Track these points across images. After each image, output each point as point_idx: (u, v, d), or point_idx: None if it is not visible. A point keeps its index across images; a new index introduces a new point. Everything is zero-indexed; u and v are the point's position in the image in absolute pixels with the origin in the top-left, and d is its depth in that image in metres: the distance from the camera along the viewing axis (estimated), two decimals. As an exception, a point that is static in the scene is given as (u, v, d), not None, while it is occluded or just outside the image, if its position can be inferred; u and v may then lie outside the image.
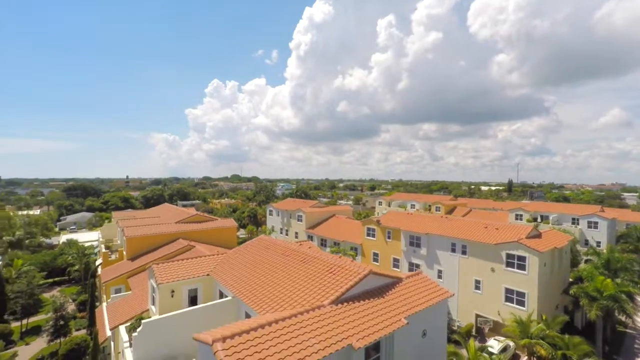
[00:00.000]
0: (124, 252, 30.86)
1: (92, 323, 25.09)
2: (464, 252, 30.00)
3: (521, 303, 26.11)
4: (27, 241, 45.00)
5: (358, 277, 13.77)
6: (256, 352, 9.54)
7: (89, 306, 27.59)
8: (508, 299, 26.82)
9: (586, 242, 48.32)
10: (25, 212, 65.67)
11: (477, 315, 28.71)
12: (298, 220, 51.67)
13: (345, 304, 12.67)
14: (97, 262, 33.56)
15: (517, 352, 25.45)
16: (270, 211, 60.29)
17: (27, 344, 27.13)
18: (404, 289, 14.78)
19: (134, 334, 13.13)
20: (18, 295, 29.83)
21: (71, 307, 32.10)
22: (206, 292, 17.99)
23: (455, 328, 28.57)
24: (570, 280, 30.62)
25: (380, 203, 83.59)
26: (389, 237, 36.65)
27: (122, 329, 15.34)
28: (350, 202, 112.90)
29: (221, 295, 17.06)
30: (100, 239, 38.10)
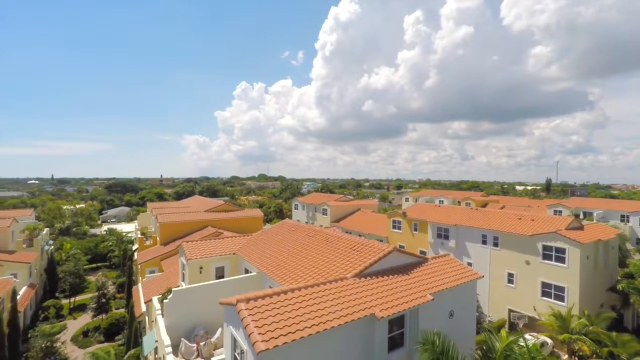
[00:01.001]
0: (157, 238, 32.58)
1: (129, 301, 26.74)
2: (495, 244, 28.54)
3: (560, 298, 24.38)
4: (74, 229, 49.11)
5: (382, 253, 13.56)
6: (278, 313, 9.69)
7: (126, 287, 29.47)
8: (545, 294, 25.14)
9: (638, 241, 44.16)
10: (72, 206, 71.24)
11: (510, 311, 27.17)
12: (323, 213, 51.79)
13: (369, 278, 12.52)
14: (134, 248, 35.75)
15: (555, 350, 23.78)
16: (296, 205, 60.95)
17: (74, 318, 29.56)
18: (430, 268, 14.34)
19: (165, 301, 13.82)
20: (67, 275, 32.50)
21: (111, 289, 34.42)
22: (232, 270, 18.55)
23: (486, 324, 27.22)
24: (618, 277, 28.11)
25: (407, 199, 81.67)
26: (415, 230, 35.72)
27: (155, 300, 16.19)
28: (376, 200, 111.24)
29: (247, 273, 17.49)
30: (137, 227, 40.57)
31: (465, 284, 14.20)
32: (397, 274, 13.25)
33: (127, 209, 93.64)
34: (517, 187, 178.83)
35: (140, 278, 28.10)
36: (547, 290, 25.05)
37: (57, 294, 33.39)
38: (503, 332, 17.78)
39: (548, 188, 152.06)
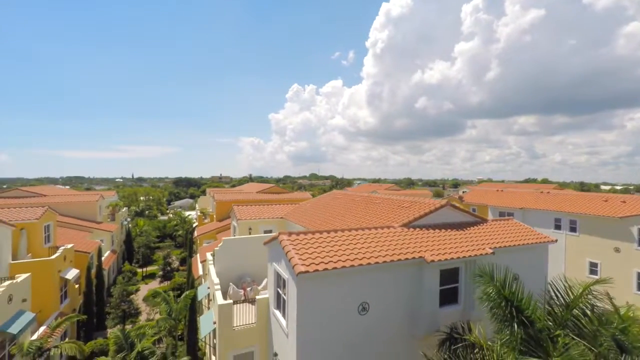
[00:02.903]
0: (214, 216, 34.92)
1: (189, 268, 29.18)
2: (572, 229, 24.76)
3: (663, 293, 20.14)
4: (146, 212, 55.51)
5: (434, 207, 12.53)
6: (320, 246, 9.46)
7: (187, 254, 32.26)
8: (641, 287, 21.01)
9: None
10: (146, 196, 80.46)
11: (594, 306, 23.23)
12: (372, 202, 50.58)
13: (418, 229, 11.62)
14: (194, 225, 38.94)
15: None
16: (344, 196, 60.65)
17: (146, 283, 33.34)
18: (490, 227, 12.85)
19: (216, 249, 14.57)
20: (140, 247, 36.72)
21: (176, 262, 37.97)
22: (279, 233, 18.90)
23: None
24: None
25: (464, 192, 75.75)
26: (473, 215, 32.78)
27: (208, 255, 17.20)
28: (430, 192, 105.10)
29: (292, 235, 17.66)
30: (197, 208, 44.23)
31: (534, 247, 12.41)
32: (451, 229, 12.09)
33: (190, 200, 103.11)
34: (603, 187, 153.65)
35: (198, 249, 30.40)
36: (644, 282, 20.90)
37: (132, 264, 37.85)
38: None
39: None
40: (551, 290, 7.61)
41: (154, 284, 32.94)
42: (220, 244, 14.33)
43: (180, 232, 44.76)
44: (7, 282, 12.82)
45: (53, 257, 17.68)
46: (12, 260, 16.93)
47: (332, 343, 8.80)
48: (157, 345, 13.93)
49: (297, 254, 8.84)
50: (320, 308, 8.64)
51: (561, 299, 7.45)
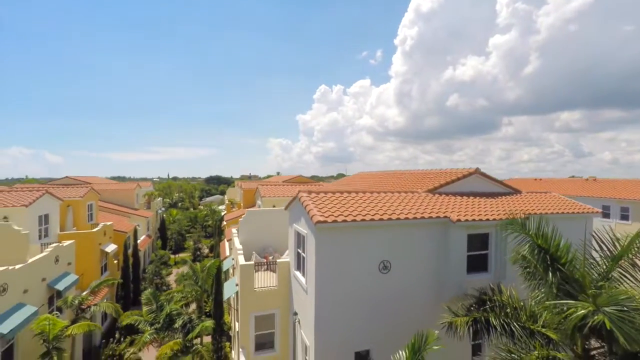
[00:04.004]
0: (241, 204, 35.87)
1: (217, 249, 30.25)
2: (624, 217, 22.54)
3: None
4: (179, 204, 58.51)
5: (461, 174, 11.93)
6: (339, 203, 9.34)
7: (216, 239, 33.42)
8: None
9: None
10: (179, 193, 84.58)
11: (648, 301, 20.95)
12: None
13: (444, 195, 11.11)
14: (223, 213, 40.33)
15: None
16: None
17: (178, 268, 34.92)
18: (524, 197, 12.00)
19: (240, 220, 14.90)
20: (173, 234, 38.65)
21: (205, 250, 39.51)
22: (303, 212, 19.01)
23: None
24: None
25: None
26: (508, 205, 30.92)
27: (233, 230, 17.65)
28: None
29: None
30: (226, 198, 45.78)
31: (575, 218, 11.35)
32: (480, 197, 11.43)
33: (221, 196, 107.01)
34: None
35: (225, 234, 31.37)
36: None
37: (166, 250, 39.96)
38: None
39: None
40: (595, 242, 6.89)
41: (185, 269, 34.51)
42: (245, 215, 14.65)
43: (210, 223, 46.56)
44: (54, 244, 14.00)
45: (94, 230, 19.05)
46: (60, 231, 18.48)
47: (352, 299, 8.64)
48: (183, 309, 14.50)
49: (315, 207, 8.79)
50: (339, 262, 8.51)
51: (606, 250, 6.72)
